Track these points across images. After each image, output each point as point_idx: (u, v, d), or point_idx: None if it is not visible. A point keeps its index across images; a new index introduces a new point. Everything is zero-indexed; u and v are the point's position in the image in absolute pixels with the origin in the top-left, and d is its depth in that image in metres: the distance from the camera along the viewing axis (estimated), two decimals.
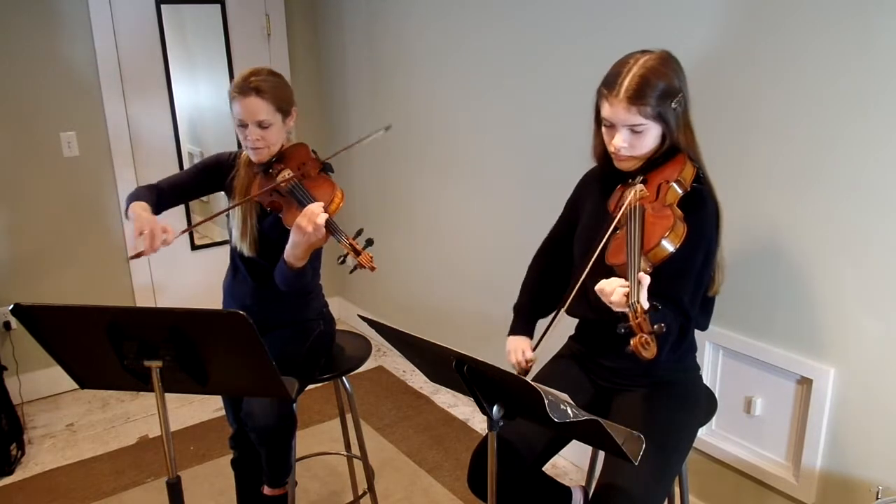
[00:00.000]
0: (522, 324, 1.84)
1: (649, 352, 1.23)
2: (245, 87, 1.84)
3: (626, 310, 1.27)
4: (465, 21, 2.83)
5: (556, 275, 1.83)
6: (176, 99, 3.48)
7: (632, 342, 1.24)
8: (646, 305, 1.25)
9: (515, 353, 1.77)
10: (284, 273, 1.82)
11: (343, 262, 1.68)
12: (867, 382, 1.81)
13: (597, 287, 1.35)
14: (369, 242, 1.69)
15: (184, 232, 1.87)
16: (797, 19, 1.77)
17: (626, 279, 1.33)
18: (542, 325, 1.78)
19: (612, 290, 1.31)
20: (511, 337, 1.83)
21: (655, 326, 1.23)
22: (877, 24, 1.63)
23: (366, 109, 3.59)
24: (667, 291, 1.41)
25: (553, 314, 1.70)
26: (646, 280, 1.29)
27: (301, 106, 3.76)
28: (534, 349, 1.76)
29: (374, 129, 1.94)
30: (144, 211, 1.83)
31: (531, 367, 1.75)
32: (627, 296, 1.28)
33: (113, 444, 2.98)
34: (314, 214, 1.68)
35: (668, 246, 1.39)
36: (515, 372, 1.71)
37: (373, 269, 1.65)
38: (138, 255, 1.80)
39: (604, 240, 1.48)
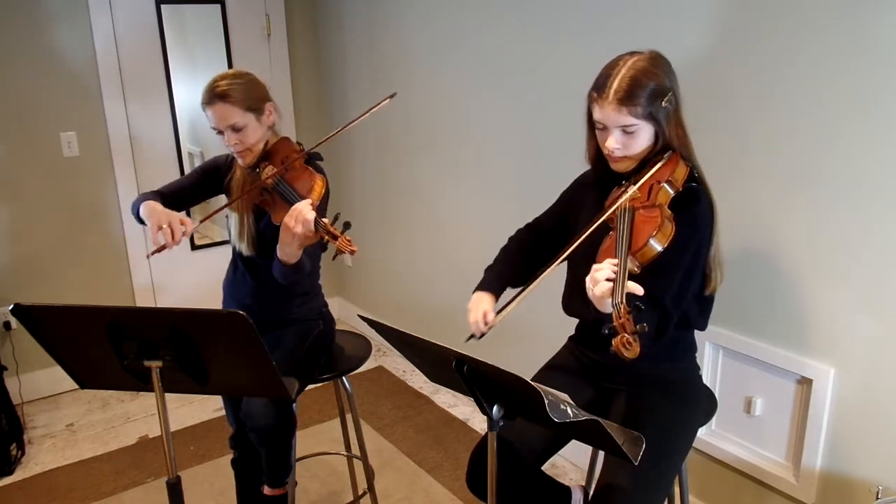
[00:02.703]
0: (491, 282, 1.76)
1: (631, 352, 1.23)
2: (210, 95, 1.85)
3: (609, 309, 1.27)
4: (464, 21, 2.83)
5: (534, 255, 1.80)
6: (176, 99, 3.49)
7: (614, 342, 1.24)
8: (628, 305, 1.25)
9: (476, 311, 1.67)
10: (280, 269, 1.82)
11: (325, 248, 1.68)
12: (867, 382, 1.81)
13: (587, 279, 1.35)
14: (346, 226, 1.67)
15: (202, 222, 1.88)
16: (796, 19, 1.77)
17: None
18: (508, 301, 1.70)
19: (595, 283, 1.31)
20: (476, 293, 1.74)
21: (638, 326, 1.23)
22: (876, 24, 1.63)
23: (366, 109, 3.58)
24: (648, 286, 1.41)
25: (521, 289, 1.64)
26: (636, 288, 1.29)
27: (301, 106, 3.81)
28: (496, 314, 1.65)
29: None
30: (158, 206, 1.85)
31: (487, 332, 1.65)
32: (613, 292, 1.28)
33: (113, 444, 2.98)
34: (301, 213, 1.67)
35: (656, 245, 1.40)
36: (469, 333, 1.65)
37: (352, 252, 1.62)
38: (160, 250, 1.79)
39: (589, 230, 1.48)
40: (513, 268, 1.80)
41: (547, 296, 1.79)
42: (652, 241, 1.39)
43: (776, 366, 1.99)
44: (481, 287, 1.75)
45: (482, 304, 1.69)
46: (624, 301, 1.25)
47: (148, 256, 1.86)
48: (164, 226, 1.77)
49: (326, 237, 1.66)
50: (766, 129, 1.89)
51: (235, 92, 1.85)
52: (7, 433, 2.86)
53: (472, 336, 1.66)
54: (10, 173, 3.14)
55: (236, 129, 1.86)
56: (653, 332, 1.44)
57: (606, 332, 1.26)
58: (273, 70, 3.68)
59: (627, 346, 1.23)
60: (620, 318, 1.24)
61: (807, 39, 1.76)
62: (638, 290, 1.30)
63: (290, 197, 1.78)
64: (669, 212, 1.45)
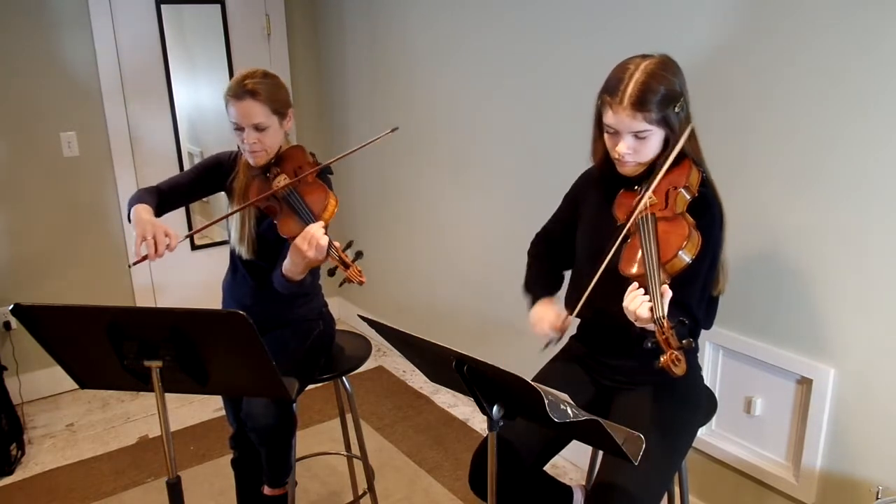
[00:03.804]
0: (545, 291, 1.75)
1: (680, 368, 1.23)
2: (240, 90, 1.82)
3: (651, 325, 1.27)
4: (465, 21, 2.83)
5: (555, 266, 1.84)
6: (176, 99, 3.49)
7: (662, 360, 1.23)
8: (671, 321, 1.25)
9: (543, 320, 1.65)
10: (282, 282, 1.80)
11: (333, 274, 1.66)
12: (867, 382, 1.81)
13: (623, 305, 1.35)
14: (359, 255, 1.64)
15: (187, 237, 1.86)
16: (797, 19, 1.77)
17: (644, 289, 1.33)
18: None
19: (637, 306, 1.30)
20: (537, 305, 1.71)
21: (684, 342, 1.23)
22: (877, 25, 1.63)
23: (366, 110, 3.59)
24: (676, 296, 1.41)
25: (574, 307, 1.65)
26: (668, 294, 1.29)
27: (301, 106, 3.82)
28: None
29: (380, 131, 1.91)
30: (147, 213, 1.82)
31: (566, 328, 1.64)
32: (651, 310, 1.27)
33: (113, 444, 2.98)
34: (314, 238, 1.63)
35: (686, 257, 1.38)
36: (544, 342, 1.65)
37: (361, 283, 1.60)
38: (142, 260, 1.77)
39: (613, 249, 1.48)
40: (549, 276, 1.81)
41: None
42: (682, 254, 1.38)
43: (776, 366, 1.99)
44: (538, 298, 1.74)
45: (548, 311, 1.68)
46: (665, 316, 1.25)
47: (130, 266, 1.85)
48: (149, 238, 1.75)
49: (338, 264, 1.63)
50: (767, 130, 1.89)
51: (265, 91, 1.83)
52: (7, 433, 2.86)
53: (548, 343, 1.65)
54: (10, 173, 3.14)
55: (259, 129, 1.84)
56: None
57: (649, 346, 1.26)
58: (273, 70, 3.66)
59: (676, 362, 1.22)
60: (664, 333, 1.23)
61: (807, 39, 1.76)
62: (667, 293, 1.30)
63: (300, 210, 1.75)
64: (693, 220, 1.44)
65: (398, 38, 3.23)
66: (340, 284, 1.65)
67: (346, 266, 1.62)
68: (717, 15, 1.95)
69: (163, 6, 3.37)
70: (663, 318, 1.24)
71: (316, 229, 1.65)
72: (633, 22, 2.17)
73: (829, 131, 1.76)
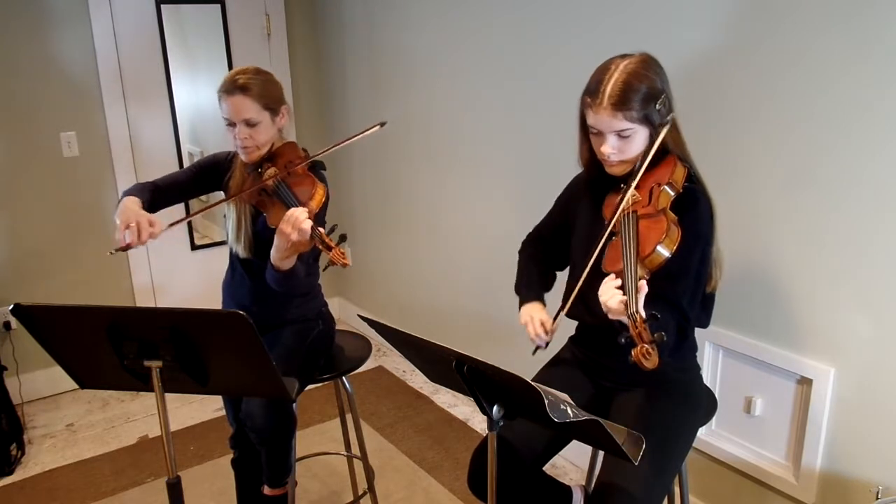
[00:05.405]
0: (532, 294, 1.74)
1: (651, 361, 1.23)
2: (231, 85, 1.84)
3: (625, 318, 1.27)
4: (464, 21, 2.83)
5: (546, 264, 1.84)
6: (176, 99, 3.49)
7: (633, 353, 1.24)
8: (644, 315, 1.25)
9: (533, 323, 1.64)
10: (273, 275, 1.81)
11: (318, 257, 1.68)
12: (867, 382, 1.81)
13: (599, 292, 1.35)
14: (342, 238, 1.67)
15: (171, 225, 1.87)
16: (795, 21, 1.77)
17: (622, 286, 1.33)
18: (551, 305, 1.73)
19: (609, 297, 1.31)
20: (525, 306, 1.71)
21: (655, 335, 1.23)
22: (878, 25, 1.63)
23: (366, 109, 3.59)
24: (665, 293, 1.41)
25: (559, 308, 1.66)
26: (644, 289, 1.29)
27: (301, 106, 3.82)
28: (553, 319, 1.64)
29: (369, 124, 1.93)
30: (133, 204, 1.83)
31: (550, 339, 1.63)
32: (626, 304, 1.28)
33: (113, 444, 2.98)
34: (297, 220, 1.66)
35: (664, 252, 1.39)
36: (534, 345, 1.65)
37: (345, 265, 1.63)
38: (125, 248, 1.78)
39: (599, 246, 1.48)
40: (540, 277, 1.81)
41: (547, 297, 1.80)
42: (660, 248, 1.39)
43: (776, 366, 1.99)
44: (526, 300, 1.73)
45: (536, 314, 1.67)
46: (639, 311, 1.25)
47: (110, 253, 1.85)
48: (132, 225, 1.76)
49: (321, 247, 1.66)
50: (766, 130, 1.89)
51: (256, 87, 1.85)
52: (7, 433, 2.86)
53: (537, 347, 1.66)
54: (10, 173, 3.14)
55: (250, 125, 1.85)
56: (674, 336, 1.44)
57: (623, 341, 1.26)
58: (273, 70, 3.60)
59: (647, 356, 1.23)
60: (637, 328, 1.24)
61: (806, 40, 1.76)
62: (643, 288, 1.30)
63: (289, 201, 1.78)
64: (674, 215, 1.45)
65: (398, 38, 3.23)
66: (325, 268, 1.67)
67: (329, 248, 1.64)
68: (716, 16, 1.95)
69: (163, 6, 3.37)
70: (637, 312, 1.25)
71: (299, 212, 1.67)
72: (631, 22, 2.17)
73: (829, 131, 1.76)
